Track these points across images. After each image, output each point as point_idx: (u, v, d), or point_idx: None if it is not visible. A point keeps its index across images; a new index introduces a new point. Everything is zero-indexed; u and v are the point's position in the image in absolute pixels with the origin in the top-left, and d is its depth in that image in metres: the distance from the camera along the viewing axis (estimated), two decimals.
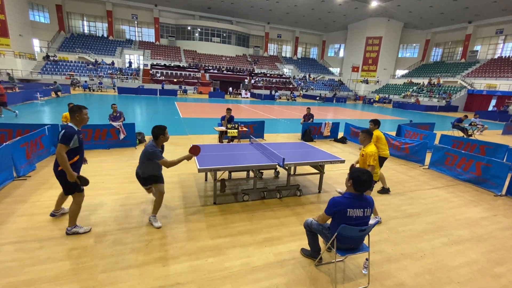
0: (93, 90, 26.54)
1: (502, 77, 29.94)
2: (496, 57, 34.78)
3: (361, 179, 2.52)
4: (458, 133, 12.16)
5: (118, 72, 32.31)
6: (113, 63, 33.90)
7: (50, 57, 30.74)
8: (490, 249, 3.61)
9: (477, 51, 36.69)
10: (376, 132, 4.88)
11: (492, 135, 14.05)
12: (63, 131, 3.07)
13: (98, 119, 10.99)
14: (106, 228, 3.50)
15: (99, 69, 31.72)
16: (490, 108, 28.94)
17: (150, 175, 3.64)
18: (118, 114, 8.29)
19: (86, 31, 38.72)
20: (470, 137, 11.22)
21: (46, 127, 6.27)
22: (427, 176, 6.58)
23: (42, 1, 33.68)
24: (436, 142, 8.79)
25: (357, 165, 4.28)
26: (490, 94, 29.55)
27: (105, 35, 38.96)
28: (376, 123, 4.94)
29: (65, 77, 28.44)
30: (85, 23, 38.61)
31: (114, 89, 27.49)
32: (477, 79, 32.20)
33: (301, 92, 38.91)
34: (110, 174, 5.38)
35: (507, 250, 3.62)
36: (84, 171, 5.43)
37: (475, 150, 8.12)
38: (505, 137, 13.70)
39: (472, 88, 31.31)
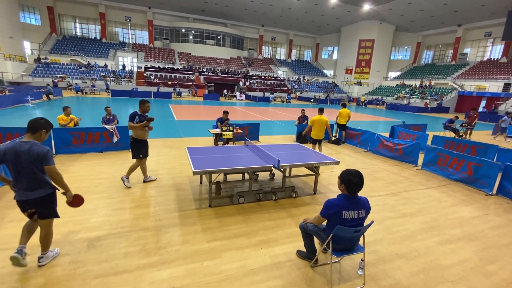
0: (86, 93, 26.23)
1: (491, 79, 30.62)
2: (485, 59, 35.61)
3: (352, 182, 2.56)
4: (449, 134, 12.37)
5: (111, 75, 32.01)
6: (106, 65, 33.60)
7: (42, 60, 30.30)
8: (482, 248, 3.67)
9: (467, 53, 37.52)
10: (315, 117, 7.14)
11: (483, 135, 14.33)
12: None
13: (91, 122, 10.85)
14: (100, 233, 3.45)
15: (92, 72, 31.39)
16: (480, 109, 29.53)
17: (52, 190, 2.72)
18: (111, 117, 8.20)
19: (78, 33, 38.32)
20: (461, 138, 11.43)
21: None
22: (420, 177, 6.67)
23: (33, 2, 33.25)
24: (429, 142, 8.92)
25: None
26: (480, 96, 30.17)
27: (98, 37, 38.60)
28: (320, 111, 7.32)
29: (57, 79, 28.05)
30: (77, 25, 38.22)
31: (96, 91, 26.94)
32: (467, 80, 32.86)
33: (296, 94, 39.10)
34: (103, 178, 5.30)
35: (499, 248, 3.68)
36: (77, 175, 5.36)
37: (466, 150, 8.28)
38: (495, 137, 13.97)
39: (463, 90, 31.94)
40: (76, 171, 5.60)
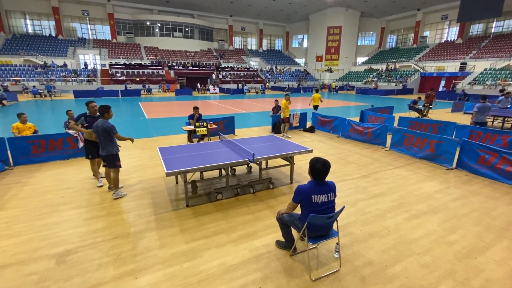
0: (45, 96, 24.23)
1: (448, 60, 32.75)
2: (443, 41, 37.90)
3: (316, 168, 2.70)
4: (414, 114, 13.12)
5: (72, 74, 29.84)
6: (65, 64, 31.19)
7: None
8: (444, 219, 3.98)
9: (426, 36, 39.64)
10: (283, 101, 9.20)
11: (443, 113, 15.40)
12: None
13: (52, 128, 10.09)
14: (69, 247, 3.26)
15: (49, 72, 29.02)
16: (441, 89, 31.60)
17: (115, 153, 4.45)
18: None
19: (30, 31, 34.90)
20: (425, 117, 12.18)
21: None
22: (389, 157, 7.04)
23: None
24: (395, 124, 9.41)
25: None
26: (440, 76, 32.22)
27: (53, 34, 35.53)
28: (286, 98, 9.23)
29: (8, 83, 25.59)
30: (28, 21, 34.76)
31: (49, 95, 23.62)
32: (427, 62, 34.88)
33: (267, 84, 39.03)
34: (70, 187, 4.98)
35: (459, 218, 4.02)
36: (39, 187, 4.98)
37: (428, 129, 8.84)
38: (454, 114, 15.09)
39: (424, 71, 33.87)
40: (37, 182, 5.21)
